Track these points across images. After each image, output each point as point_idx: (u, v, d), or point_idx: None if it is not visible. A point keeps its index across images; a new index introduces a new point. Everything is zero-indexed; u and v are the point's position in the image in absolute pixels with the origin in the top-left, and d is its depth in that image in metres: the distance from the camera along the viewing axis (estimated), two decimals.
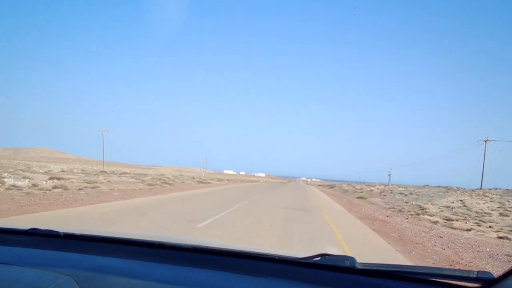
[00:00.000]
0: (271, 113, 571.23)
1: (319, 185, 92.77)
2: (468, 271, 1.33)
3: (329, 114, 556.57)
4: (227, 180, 64.92)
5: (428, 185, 50.63)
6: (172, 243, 1.64)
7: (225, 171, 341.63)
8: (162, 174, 40.50)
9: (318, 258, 1.45)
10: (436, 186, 47.08)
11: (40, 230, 1.71)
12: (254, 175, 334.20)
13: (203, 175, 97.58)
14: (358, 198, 27.59)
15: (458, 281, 1.32)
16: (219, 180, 56.90)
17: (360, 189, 44.26)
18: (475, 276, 1.30)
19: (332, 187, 56.89)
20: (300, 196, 25.78)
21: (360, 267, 1.39)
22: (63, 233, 1.70)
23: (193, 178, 40.32)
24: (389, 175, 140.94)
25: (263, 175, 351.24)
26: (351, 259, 1.42)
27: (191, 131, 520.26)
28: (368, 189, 44.37)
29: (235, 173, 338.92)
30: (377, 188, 45.31)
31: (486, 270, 1.42)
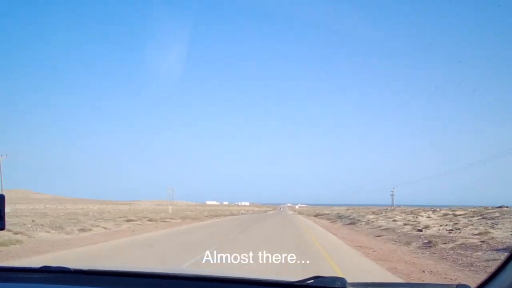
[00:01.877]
0: (254, 139, 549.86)
1: (317, 215, 70.69)
2: (448, 284, 1.59)
3: (314, 135, 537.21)
4: (150, 220, 41.73)
5: (504, 206, 33.06)
6: (174, 274, 1.80)
7: (208, 202, 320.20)
8: None
9: (311, 281, 1.58)
10: None
11: (53, 267, 1.84)
12: (238, 204, 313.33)
13: (170, 210, 76.80)
14: None
15: None
16: (134, 220, 35.44)
17: (412, 223, 25.21)
18: None
19: (352, 223, 36.03)
20: None
21: (350, 287, 1.44)
22: (73, 269, 1.82)
23: None
24: (392, 195, 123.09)
25: (247, 203, 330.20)
26: (342, 280, 1.56)
27: (175, 164, 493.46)
28: (421, 219, 25.46)
29: (218, 203, 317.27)
30: (430, 216, 26.32)
31: (464, 283, 1.55)
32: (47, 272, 1.81)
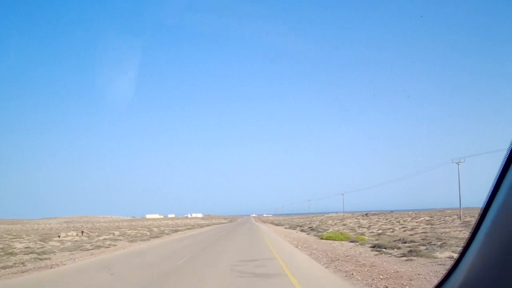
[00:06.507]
0: (211, 148, 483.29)
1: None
2: None
3: (269, 144, 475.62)
4: None
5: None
6: None
7: (148, 216, 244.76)
8: None
9: None
10: None
11: None
12: (187, 216, 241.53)
13: None
14: None
15: None
16: None
17: None
18: None
19: None
20: None
21: None
22: None
23: None
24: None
25: (200, 215, 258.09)
26: None
27: (113, 174, 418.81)
28: None
29: (162, 216, 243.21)
30: None
31: None
32: None
